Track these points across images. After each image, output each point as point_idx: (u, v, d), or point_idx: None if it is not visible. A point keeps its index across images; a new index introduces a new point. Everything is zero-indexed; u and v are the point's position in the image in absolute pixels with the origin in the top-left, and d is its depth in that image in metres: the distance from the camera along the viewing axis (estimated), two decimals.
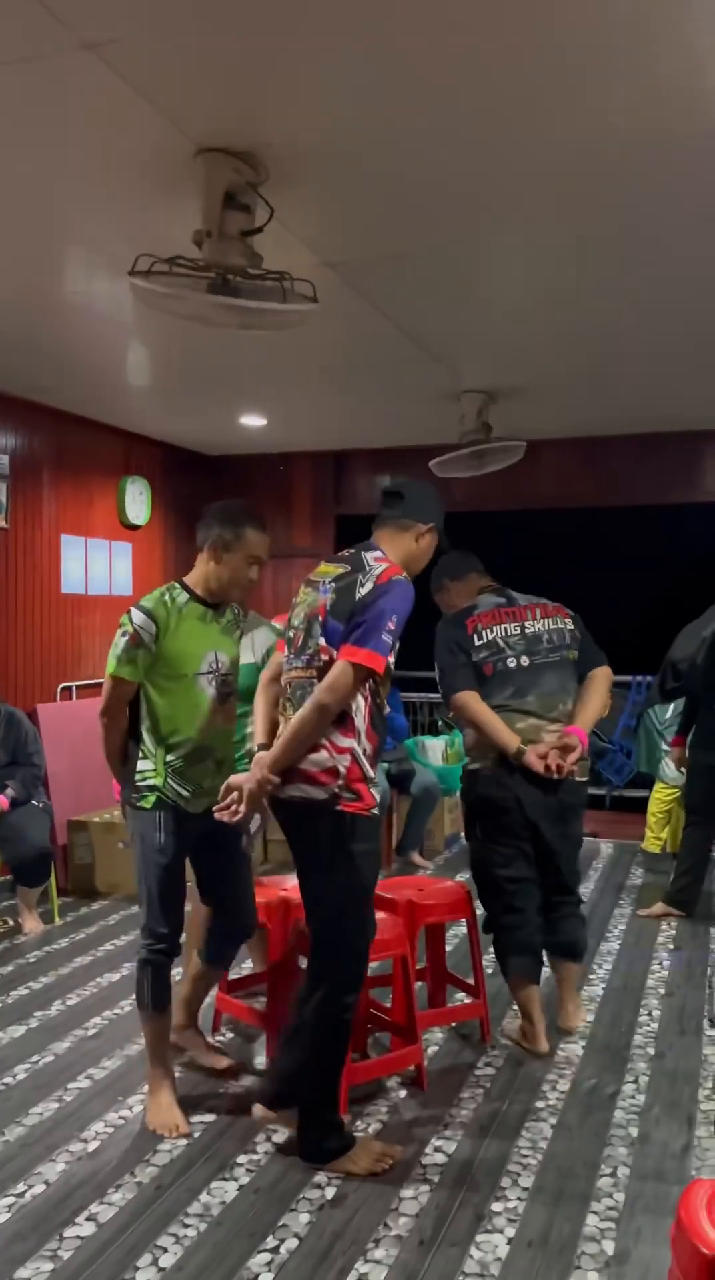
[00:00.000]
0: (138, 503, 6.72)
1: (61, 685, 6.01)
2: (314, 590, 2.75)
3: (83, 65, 2.27)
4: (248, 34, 2.17)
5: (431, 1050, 3.45)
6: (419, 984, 3.69)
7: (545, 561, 7.88)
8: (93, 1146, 2.84)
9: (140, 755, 2.97)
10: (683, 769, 5.12)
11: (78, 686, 6.12)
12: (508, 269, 3.71)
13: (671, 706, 5.87)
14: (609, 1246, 2.39)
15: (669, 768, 5.71)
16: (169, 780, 2.92)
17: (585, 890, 5.40)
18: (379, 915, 3.32)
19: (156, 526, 6.99)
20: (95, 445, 6.33)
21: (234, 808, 2.72)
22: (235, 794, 2.72)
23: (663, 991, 3.99)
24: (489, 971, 3.84)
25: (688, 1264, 1.52)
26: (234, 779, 2.76)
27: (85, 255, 3.57)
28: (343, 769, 2.61)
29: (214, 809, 2.77)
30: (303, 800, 2.64)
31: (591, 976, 4.16)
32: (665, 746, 5.81)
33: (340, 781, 2.61)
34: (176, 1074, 3.13)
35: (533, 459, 5.91)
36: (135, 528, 6.72)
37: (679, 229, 3.24)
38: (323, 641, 2.65)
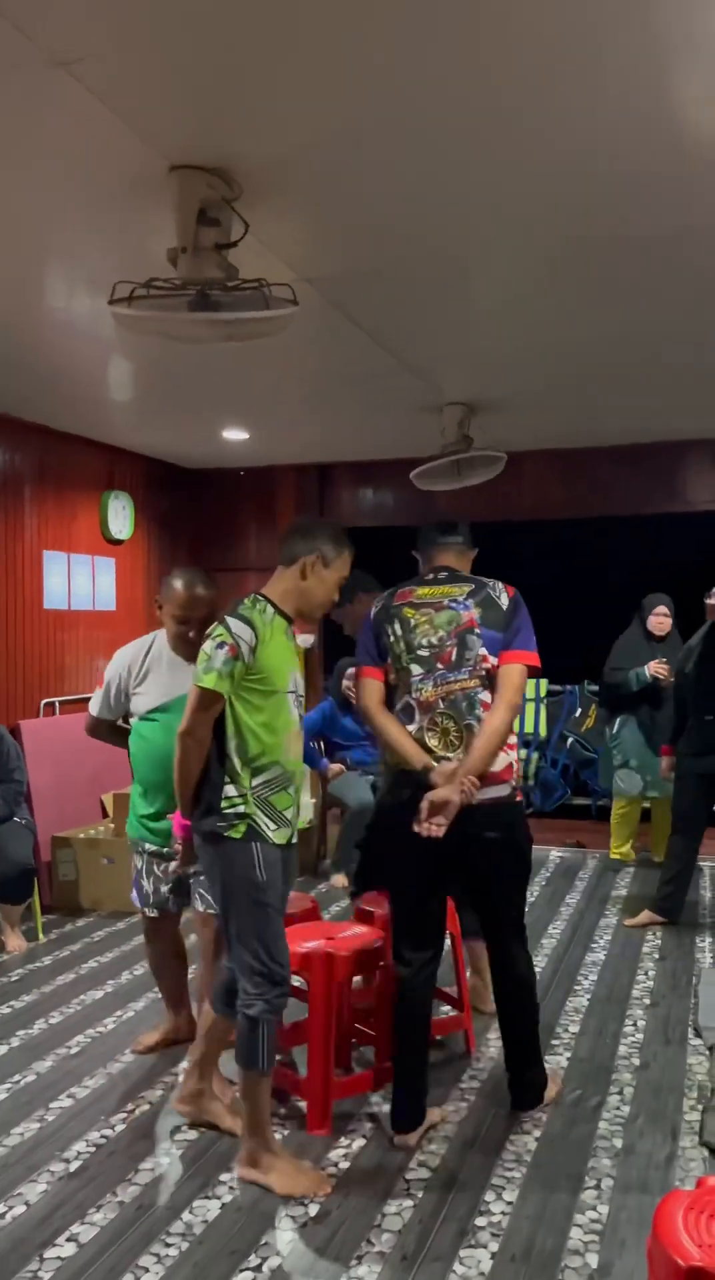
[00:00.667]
0: (120, 517, 6.71)
1: (45, 701, 5.98)
2: (448, 609, 2.95)
3: (53, 82, 2.27)
4: (219, 50, 2.18)
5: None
6: None
7: (526, 572, 7.90)
8: (74, 1166, 2.82)
9: (225, 780, 2.71)
10: (669, 777, 5.14)
11: (60, 702, 6.10)
12: (486, 283, 3.73)
13: (617, 721, 5.92)
14: (592, 1259, 2.39)
15: (621, 781, 5.84)
16: (257, 807, 2.70)
17: (571, 900, 5.41)
18: (362, 928, 3.32)
19: (140, 541, 6.98)
20: (78, 460, 6.32)
21: (437, 822, 2.70)
22: (443, 808, 2.69)
23: (648, 1002, 3.99)
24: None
25: (664, 1275, 1.51)
26: (438, 793, 2.70)
27: (62, 272, 3.57)
28: (514, 765, 2.95)
29: (417, 824, 2.72)
30: (494, 801, 2.85)
31: (576, 987, 4.16)
32: (618, 762, 5.88)
33: (515, 777, 2.94)
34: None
35: (514, 471, 5.93)
36: (118, 542, 6.71)
37: (657, 243, 3.27)
38: (483, 651, 2.90)
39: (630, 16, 2.07)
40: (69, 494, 6.26)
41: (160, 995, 3.64)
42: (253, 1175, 2.71)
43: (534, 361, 4.73)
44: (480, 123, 2.49)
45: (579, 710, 7.61)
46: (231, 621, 2.70)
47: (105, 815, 6.06)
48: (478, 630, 2.90)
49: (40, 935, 4.87)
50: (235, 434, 6.29)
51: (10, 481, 5.77)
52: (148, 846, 3.30)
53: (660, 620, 5.82)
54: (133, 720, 3.40)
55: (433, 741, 2.88)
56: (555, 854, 6.44)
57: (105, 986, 4.21)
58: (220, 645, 2.67)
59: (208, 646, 2.70)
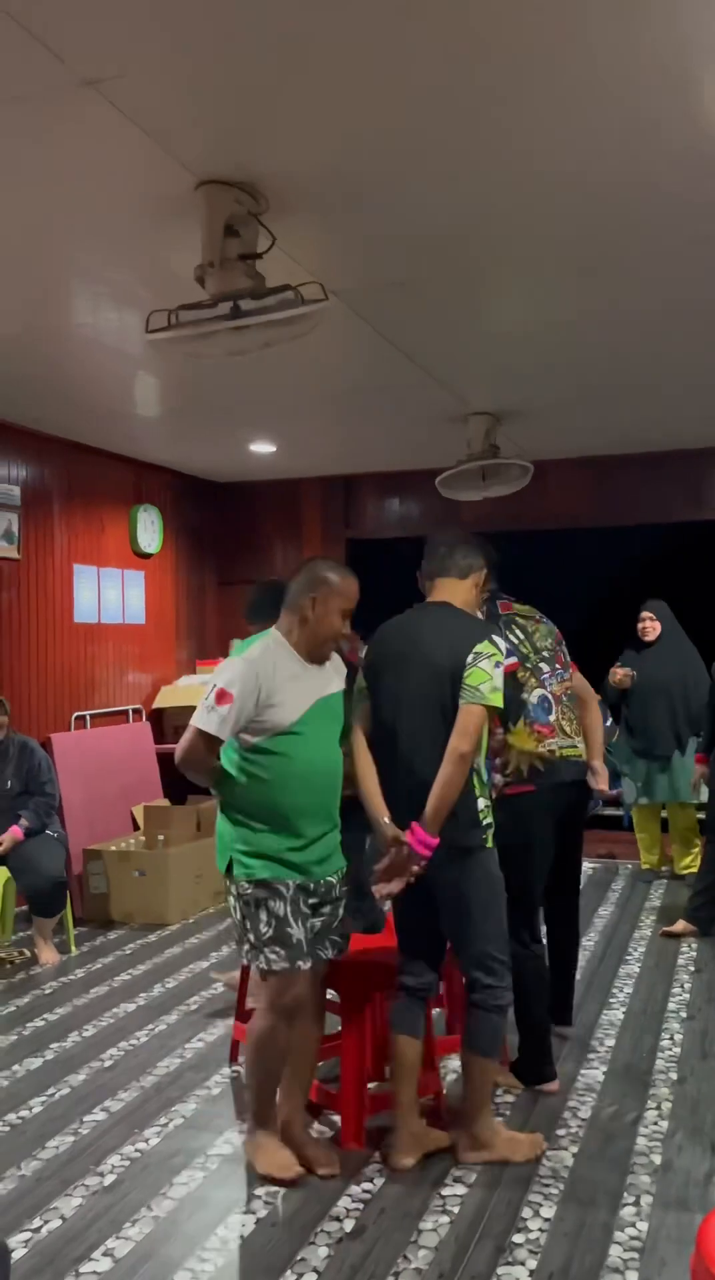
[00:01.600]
0: (149, 531, 6.75)
1: (75, 714, 6.02)
2: (544, 623, 3.48)
3: (83, 101, 2.30)
4: (244, 67, 2.20)
5: (450, 1078, 3.41)
6: (438, 1010, 3.67)
7: (551, 580, 7.86)
8: (109, 1180, 2.82)
9: (477, 792, 2.79)
10: (703, 786, 5.09)
11: (91, 715, 6.13)
12: (510, 294, 3.73)
13: (618, 732, 5.98)
14: (632, 1278, 2.35)
15: (629, 793, 5.92)
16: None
17: (605, 912, 5.36)
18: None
19: (168, 554, 7.02)
20: (106, 474, 6.38)
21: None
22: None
23: (684, 1015, 3.94)
24: None
25: None
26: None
27: (90, 288, 3.61)
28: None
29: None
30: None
31: (611, 1000, 4.11)
32: (626, 771, 5.92)
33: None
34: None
35: (538, 479, 5.91)
36: (147, 556, 6.76)
37: (675, 253, 3.26)
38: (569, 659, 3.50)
39: (657, 23, 2.07)
40: (98, 508, 6.31)
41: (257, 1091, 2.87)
42: (483, 1156, 2.86)
43: (559, 371, 4.72)
44: (505, 136, 2.49)
45: (609, 721, 7.55)
46: (498, 640, 2.88)
47: (136, 828, 6.08)
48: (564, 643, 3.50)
49: (73, 948, 4.89)
50: (262, 447, 6.32)
51: (40, 496, 5.82)
52: (291, 884, 2.76)
53: (642, 626, 5.82)
54: (256, 739, 2.77)
55: (567, 727, 3.36)
56: (587, 866, 6.38)
57: (138, 999, 4.22)
58: (498, 664, 2.80)
59: (487, 665, 2.76)
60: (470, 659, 2.76)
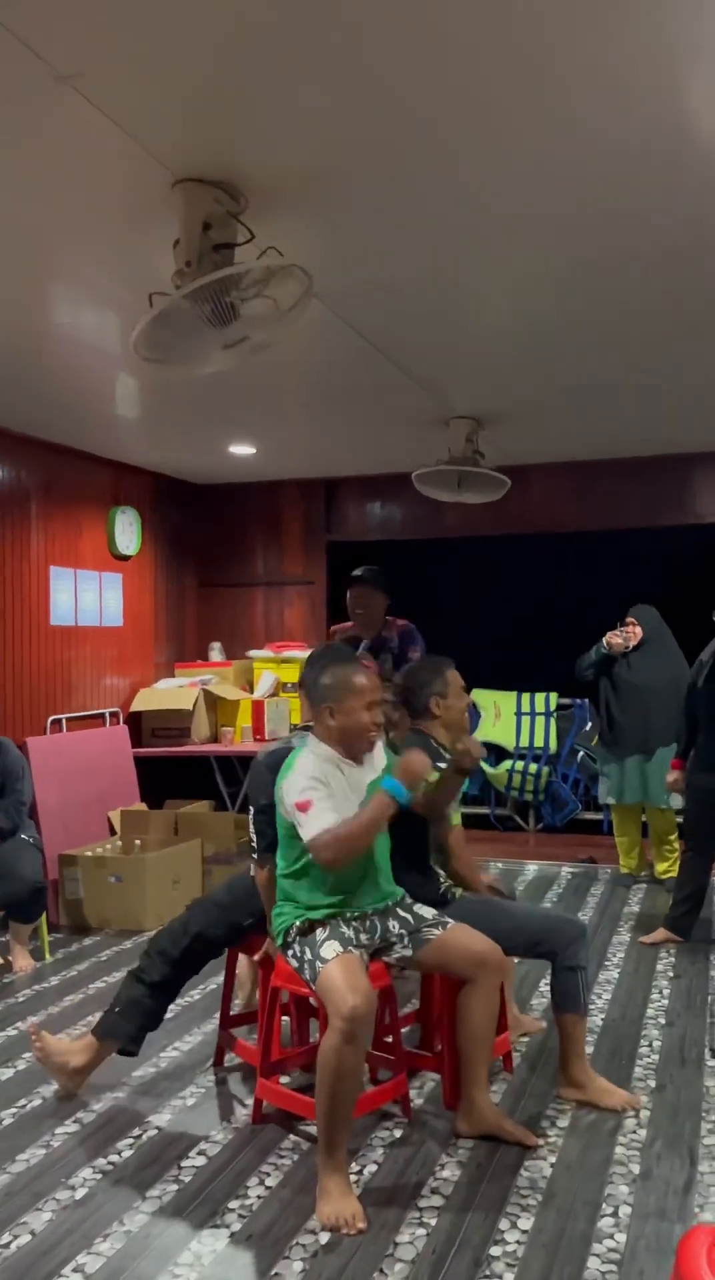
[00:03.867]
0: (128, 533, 6.69)
1: (51, 718, 5.96)
2: None
3: (57, 97, 2.26)
4: (223, 63, 2.16)
5: (429, 1087, 3.38)
6: (412, 1026, 3.65)
7: (536, 585, 7.87)
8: (80, 1194, 2.77)
9: None
10: (679, 793, 5.09)
11: (68, 719, 6.07)
12: (493, 297, 3.71)
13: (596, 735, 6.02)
14: None
15: (603, 792, 5.95)
16: None
17: (584, 917, 5.34)
18: None
19: (147, 557, 6.97)
20: (84, 476, 6.32)
21: None
22: None
23: (663, 1021, 3.93)
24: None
25: None
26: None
27: (69, 288, 3.56)
28: None
29: None
30: None
31: (590, 1006, 4.09)
32: (604, 771, 5.95)
33: None
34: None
35: (522, 484, 5.90)
36: (125, 558, 6.70)
37: (666, 255, 3.24)
38: None
39: (639, 23, 2.05)
40: (75, 510, 6.25)
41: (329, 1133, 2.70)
42: (576, 1095, 3.24)
43: (542, 375, 4.70)
44: (487, 136, 2.47)
45: (589, 724, 7.56)
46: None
47: (113, 832, 6.02)
48: None
49: (47, 955, 4.83)
50: (242, 449, 6.28)
51: (16, 497, 5.76)
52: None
53: (625, 632, 5.81)
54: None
55: None
56: (566, 870, 6.38)
57: None
58: None
59: None
60: None
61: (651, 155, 2.57)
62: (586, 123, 2.41)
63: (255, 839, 3.20)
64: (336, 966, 2.71)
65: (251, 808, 3.24)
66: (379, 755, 3.06)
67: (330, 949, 2.77)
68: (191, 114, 2.35)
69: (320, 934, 2.84)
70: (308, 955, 2.82)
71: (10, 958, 4.67)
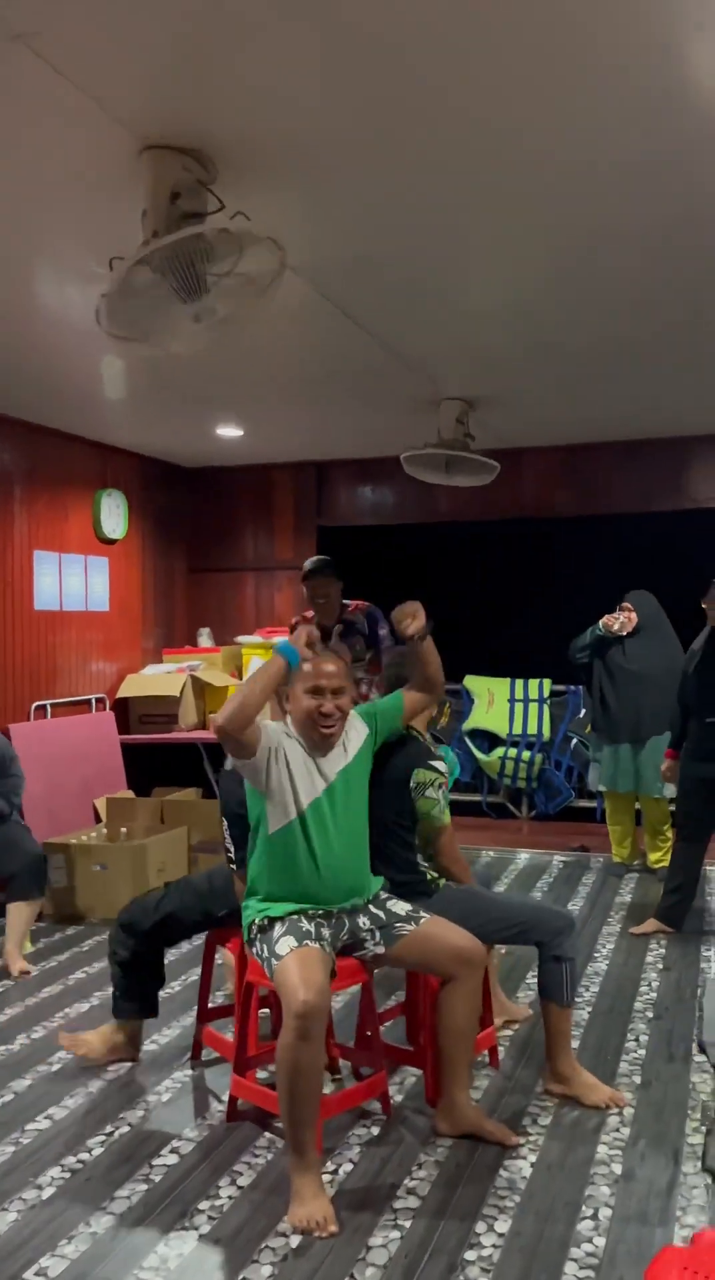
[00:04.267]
0: (114, 516, 6.60)
1: (36, 704, 5.87)
2: None
3: (13, 57, 2.15)
4: (191, 21, 2.06)
5: (410, 1082, 3.31)
6: (397, 1020, 3.58)
7: (528, 571, 7.77)
8: (47, 1194, 2.70)
9: None
10: (672, 783, 5.01)
11: (53, 705, 5.99)
12: (480, 274, 3.60)
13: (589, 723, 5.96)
14: None
15: (593, 779, 5.88)
16: None
17: (574, 907, 5.27)
18: None
19: (134, 540, 6.87)
20: (69, 458, 6.21)
21: None
22: None
23: (651, 1015, 3.86)
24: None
25: None
26: None
27: (45, 264, 3.45)
28: None
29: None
30: None
31: (577, 999, 4.01)
32: (597, 757, 5.86)
33: None
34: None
35: (514, 468, 5.80)
36: (112, 542, 6.60)
37: (660, 231, 3.14)
38: None
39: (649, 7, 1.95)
40: (61, 493, 6.15)
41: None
42: (560, 1090, 3.16)
43: (532, 355, 4.60)
44: (475, 103, 2.36)
45: (583, 711, 7.47)
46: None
47: (99, 820, 5.95)
48: None
49: (28, 944, 4.75)
50: (229, 431, 6.18)
51: None
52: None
53: (621, 618, 5.71)
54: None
55: None
56: (558, 859, 6.31)
57: (92, 999, 4.10)
58: None
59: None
60: None
61: (648, 124, 2.47)
62: (580, 89, 2.31)
63: (232, 850, 3.14)
64: (291, 961, 2.65)
65: (223, 819, 3.17)
66: (356, 737, 2.99)
67: (285, 944, 2.71)
68: (157, 75, 2.25)
69: (278, 929, 2.78)
70: (265, 952, 2.76)
71: (6, 962, 4.46)
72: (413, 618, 2.99)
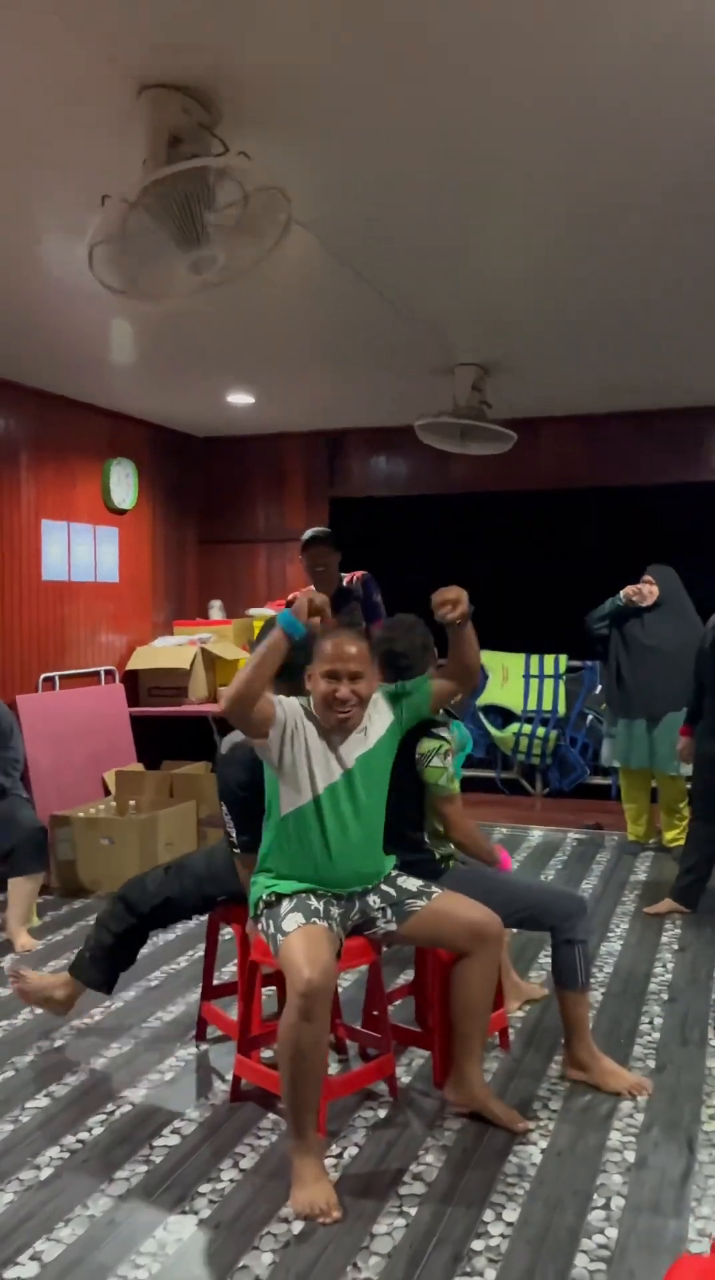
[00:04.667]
0: (123, 486, 6.49)
1: (44, 675, 5.80)
2: None
3: None
4: None
5: (418, 1063, 3.24)
6: (406, 999, 3.51)
7: (546, 543, 7.63)
8: (45, 1174, 2.64)
9: None
10: (688, 761, 4.89)
11: (61, 677, 5.91)
12: (495, 234, 3.46)
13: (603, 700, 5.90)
14: None
15: (607, 754, 5.80)
16: None
17: (588, 885, 5.19)
18: None
19: (144, 510, 6.77)
20: (78, 426, 6.11)
21: None
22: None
23: (665, 997, 3.77)
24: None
25: None
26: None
27: (47, 220, 3.33)
28: None
29: None
30: None
31: (590, 980, 3.93)
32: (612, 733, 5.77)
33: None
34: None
35: (531, 438, 5.66)
36: (121, 512, 6.51)
37: (676, 191, 3.00)
38: None
39: None
40: (69, 461, 6.05)
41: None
42: (580, 1076, 3.08)
43: (548, 319, 4.45)
44: (491, 53, 2.22)
45: (599, 687, 7.35)
46: None
47: (107, 793, 5.89)
48: None
49: (34, 918, 4.70)
50: (240, 398, 6.05)
51: (5, 448, 5.56)
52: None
53: (639, 590, 5.57)
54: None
55: None
56: (572, 836, 6.22)
57: None
58: None
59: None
60: None
61: (668, 81, 2.33)
62: (603, 31, 2.17)
63: (234, 834, 3.05)
64: (297, 939, 2.56)
65: (223, 804, 3.08)
66: (379, 723, 2.88)
67: (292, 921, 2.62)
68: (155, 9, 2.12)
69: (285, 906, 2.69)
70: (271, 929, 2.68)
71: (10, 935, 4.43)
72: (454, 605, 2.77)
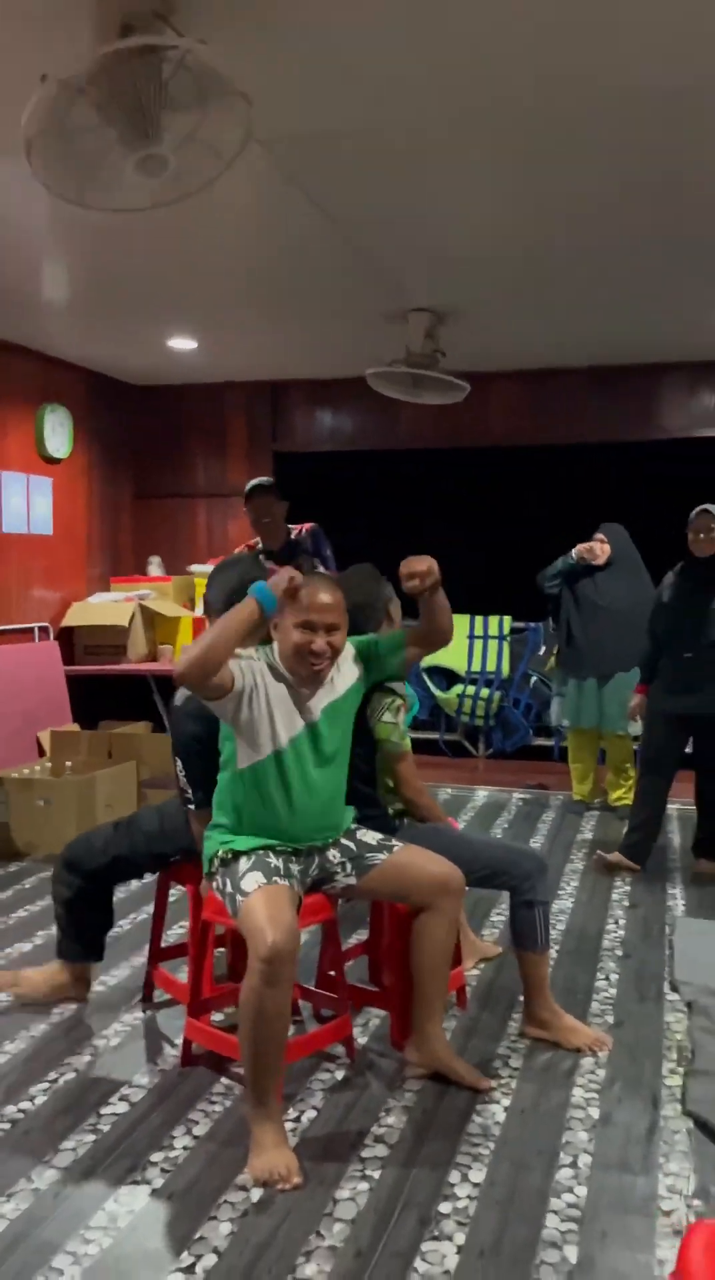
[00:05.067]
0: (58, 434, 6.21)
1: None
2: None
3: None
4: None
5: (374, 1024, 3.15)
6: (358, 959, 3.41)
7: (493, 501, 7.54)
8: None
9: None
10: (639, 719, 4.86)
11: None
12: (450, 162, 3.31)
13: (551, 659, 5.86)
14: (571, 1253, 2.10)
15: (556, 714, 5.77)
16: None
17: (535, 844, 5.15)
18: None
19: (79, 459, 6.50)
20: (10, 370, 5.81)
21: None
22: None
23: (620, 953, 3.73)
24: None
25: None
26: None
27: None
28: None
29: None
30: None
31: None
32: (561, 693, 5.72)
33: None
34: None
35: (480, 395, 5.53)
36: (56, 461, 6.23)
37: (631, 136, 2.89)
38: None
39: None
40: (0, 406, 5.75)
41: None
42: (540, 1034, 3.01)
43: (501, 261, 4.32)
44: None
45: (543, 648, 7.32)
46: None
47: (42, 754, 5.67)
48: None
49: None
50: (182, 343, 5.81)
51: None
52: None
53: (591, 547, 5.51)
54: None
55: None
56: (517, 796, 6.19)
57: (35, 938, 3.87)
58: None
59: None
60: None
61: (624, 21, 2.20)
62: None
63: (189, 790, 2.89)
64: (258, 899, 2.43)
65: (177, 759, 2.92)
66: (347, 673, 2.76)
67: (251, 880, 2.49)
68: None
69: (243, 864, 2.55)
70: (229, 888, 2.54)
71: None
72: (423, 577, 2.66)
